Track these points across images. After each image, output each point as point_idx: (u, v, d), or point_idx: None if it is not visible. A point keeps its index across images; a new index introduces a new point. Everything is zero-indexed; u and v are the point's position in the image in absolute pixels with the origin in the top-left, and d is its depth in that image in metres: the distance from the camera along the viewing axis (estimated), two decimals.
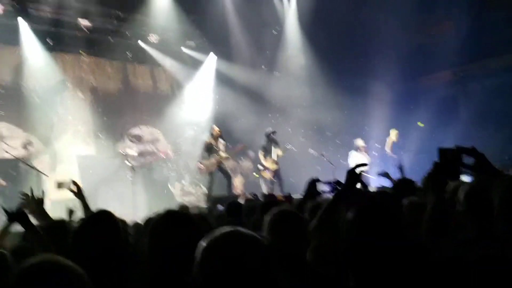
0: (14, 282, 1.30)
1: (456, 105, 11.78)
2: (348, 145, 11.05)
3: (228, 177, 9.69)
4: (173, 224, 1.73)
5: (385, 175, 5.51)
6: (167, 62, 12.40)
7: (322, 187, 3.03)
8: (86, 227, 2.01)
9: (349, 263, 1.84)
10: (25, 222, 2.64)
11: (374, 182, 9.76)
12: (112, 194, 8.34)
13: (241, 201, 6.15)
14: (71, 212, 3.84)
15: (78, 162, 10.41)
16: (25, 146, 9.45)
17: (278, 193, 8.48)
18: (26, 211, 3.26)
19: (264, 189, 10.20)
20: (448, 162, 2.06)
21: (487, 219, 2.09)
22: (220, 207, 5.22)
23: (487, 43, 10.81)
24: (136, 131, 11.94)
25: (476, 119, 10.53)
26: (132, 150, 11.37)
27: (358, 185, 2.81)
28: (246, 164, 12.82)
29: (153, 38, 11.89)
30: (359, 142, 10.80)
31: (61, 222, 2.89)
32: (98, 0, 10.47)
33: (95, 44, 11.40)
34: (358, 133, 11.57)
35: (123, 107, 11.81)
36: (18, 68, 10.33)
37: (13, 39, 10.06)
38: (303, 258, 2.06)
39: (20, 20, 9.92)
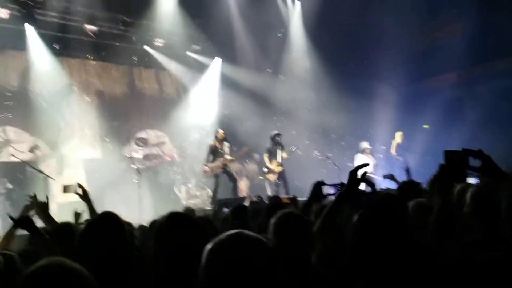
0: (22, 285, 1.30)
1: (462, 107, 11.71)
2: (354, 147, 11.03)
3: (233, 180, 9.69)
4: (177, 225, 1.74)
5: (391, 177, 5.50)
6: (172, 66, 12.45)
7: (328, 190, 3.02)
8: (92, 228, 2.01)
9: (355, 267, 1.83)
10: (31, 228, 2.65)
11: (380, 184, 9.73)
12: (118, 198, 8.37)
13: (247, 203, 6.16)
14: (77, 215, 3.85)
15: (84, 166, 10.46)
16: (32, 150, 9.51)
17: (283, 195, 8.47)
18: (32, 213, 3.28)
19: (269, 192, 10.20)
20: (454, 164, 2.05)
21: (493, 221, 2.08)
22: (225, 209, 5.21)
23: (493, 45, 10.75)
24: (142, 134, 11.99)
25: (482, 121, 10.46)
26: (138, 153, 11.41)
27: (364, 186, 2.80)
28: (251, 166, 12.82)
29: (158, 42, 11.95)
30: (365, 144, 10.79)
31: (67, 225, 2.91)
32: (104, 5, 10.53)
33: (101, 49, 11.47)
34: (363, 135, 11.54)
35: (129, 111, 11.86)
36: (25, 73, 10.42)
37: (20, 44, 10.15)
38: (308, 261, 2.05)
39: (26, 25, 10.01)
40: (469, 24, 10.89)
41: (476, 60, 11.18)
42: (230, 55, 12.60)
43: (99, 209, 3.30)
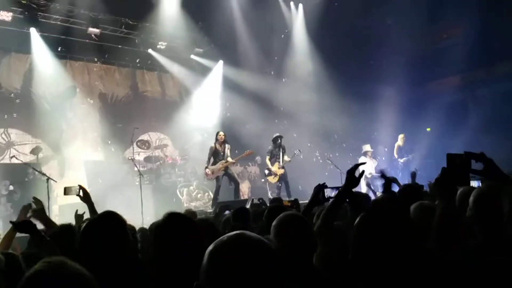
0: (24, 285, 1.30)
1: (465, 110, 11.69)
2: (356, 150, 11.03)
3: (235, 182, 9.68)
4: (176, 226, 1.73)
5: (393, 180, 5.48)
6: (175, 68, 12.50)
7: (330, 193, 3.01)
8: (93, 227, 2.00)
9: (357, 269, 1.82)
10: (31, 230, 2.65)
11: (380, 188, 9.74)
12: (120, 200, 8.35)
13: (248, 206, 6.15)
14: (79, 217, 3.85)
15: (86, 168, 10.48)
16: (34, 152, 9.52)
17: (284, 197, 8.46)
18: (29, 214, 3.29)
19: (270, 194, 10.20)
20: (456, 167, 2.05)
21: (496, 224, 2.07)
22: (227, 212, 5.21)
23: (496, 48, 10.75)
24: (144, 136, 12.01)
25: (485, 124, 10.45)
26: (140, 155, 11.42)
27: (366, 190, 2.80)
28: (253, 169, 12.81)
29: (161, 45, 11.99)
30: (367, 147, 10.82)
31: (68, 227, 2.91)
32: (107, 8, 10.58)
33: (104, 51, 11.53)
34: (366, 138, 11.55)
35: (131, 113, 11.89)
36: (28, 75, 10.47)
37: (23, 46, 10.21)
38: (310, 263, 2.05)
39: (30, 28, 10.05)
40: (471, 27, 10.88)
41: (478, 64, 11.17)
42: (233, 58, 12.63)
43: (101, 211, 3.30)
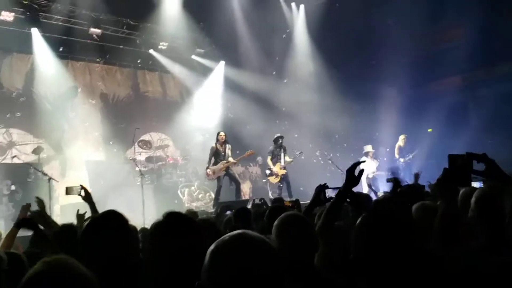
0: (25, 283, 1.30)
1: (466, 110, 11.68)
2: (358, 151, 11.03)
3: (236, 183, 9.68)
4: (175, 225, 1.70)
5: (394, 180, 5.47)
6: (176, 69, 12.51)
7: (331, 194, 3.01)
8: (95, 226, 1.98)
9: (358, 270, 1.82)
10: (33, 228, 2.65)
11: (381, 188, 9.74)
12: (121, 200, 8.35)
13: (249, 206, 6.15)
14: (80, 216, 3.86)
15: (88, 168, 10.49)
16: (36, 152, 9.54)
17: (285, 198, 8.46)
18: (29, 214, 3.30)
19: (271, 194, 10.20)
20: (458, 168, 2.04)
21: (498, 225, 2.07)
22: (228, 212, 5.21)
23: (497, 48, 10.73)
24: (145, 137, 12.02)
25: (486, 124, 10.43)
26: (141, 156, 11.43)
27: (367, 190, 2.80)
28: (254, 169, 12.81)
29: (162, 45, 12.00)
30: (368, 148, 10.82)
31: (69, 227, 2.91)
32: (109, 9, 10.58)
33: (105, 52, 11.54)
34: (367, 138, 11.54)
35: (133, 114, 11.90)
36: (30, 75, 10.49)
37: (25, 47, 10.22)
38: (311, 263, 2.05)
39: (32, 28, 10.07)
40: (473, 28, 10.87)
41: (479, 64, 11.16)
42: (234, 59, 12.63)
43: (102, 211, 3.30)
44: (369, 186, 10.19)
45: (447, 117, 10.98)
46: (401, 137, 10.92)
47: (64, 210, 8.78)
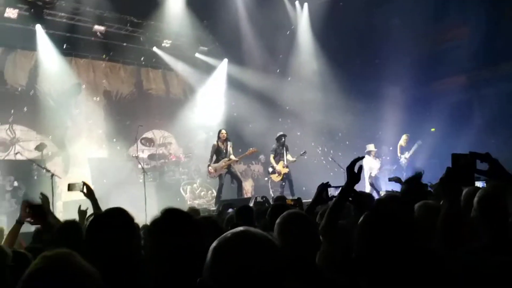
0: (27, 277, 1.29)
1: (470, 110, 11.63)
2: (361, 149, 11.00)
3: (238, 181, 9.69)
4: (173, 222, 1.66)
5: (397, 180, 5.47)
6: (179, 66, 12.51)
7: (333, 192, 3.01)
8: (100, 222, 1.97)
9: (360, 268, 1.82)
10: (41, 216, 2.65)
11: (383, 187, 9.73)
12: (124, 197, 8.36)
13: (251, 204, 6.15)
14: (82, 213, 3.87)
15: (91, 165, 10.52)
16: (38, 148, 9.57)
17: (288, 196, 8.46)
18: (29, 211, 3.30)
19: (272, 192, 10.20)
20: (461, 167, 2.04)
21: (501, 225, 2.06)
22: (230, 210, 5.21)
23: (501, 47, 10.68)
24: (148, 134, 12.04)
25: (490, 124, 10.40)
26: (144, 153, 11.45)
27: (370, 189, 2.79)
28: (257, 167, 12.81)
29: (166, 43, 12.00)
30: (371, 147, 10.80)
31: (72, 223, 2.91)
32: (113, 6, 10.59)
33: (109, 49, 11.55)
34: (370, 137, 11.51)
35: (136, 111, 11.92)
36: (33, 72, 10.51)
37: (29, 43, 10.24)
38: (313, 261, 2.04)
39: (36, 25, 10.09)
40: (477, 27, 10.83)
41: (483, 63, 11.10)
42: (237, 57, 12.62)
43: (104, 208, 3.31)
44: (371, 185, 10.19)
45: (450, 116, 10.94)
46: (403, 137, 10.86)
47: (66, 206, 8.81)
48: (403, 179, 5.43)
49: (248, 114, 11.95)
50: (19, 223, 3.22)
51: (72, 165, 10.58)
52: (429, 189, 3.92)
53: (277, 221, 2.11)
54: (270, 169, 10.26)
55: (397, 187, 5.51)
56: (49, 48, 10.42)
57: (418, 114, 11.53)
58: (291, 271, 1.35)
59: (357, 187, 2.60)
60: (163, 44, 12.06)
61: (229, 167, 9.50)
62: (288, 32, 12.78)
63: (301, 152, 10.32)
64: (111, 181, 9.59)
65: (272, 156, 10.18)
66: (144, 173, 8.93)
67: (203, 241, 1.56)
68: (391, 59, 11.23)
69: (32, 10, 9.86)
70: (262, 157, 12.50)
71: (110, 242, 1.85)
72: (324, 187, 3.02)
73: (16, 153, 9.39)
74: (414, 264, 1.70)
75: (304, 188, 10.08)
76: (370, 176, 10.42)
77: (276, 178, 10.15)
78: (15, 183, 8.62)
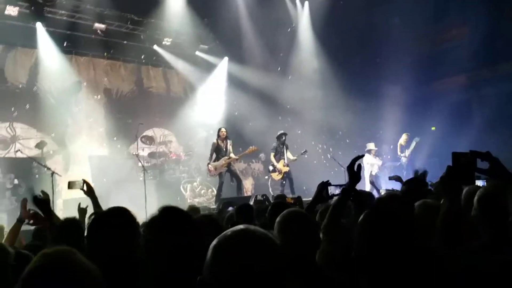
0: (24, 279, 1.29)
1: (470, 109, 11.64)
2: (361, 148, 11.00)
3: (237, 179, 9.69)
4: (171, 221, 1.65)
5: (397, 178, 5.47)
6: (180, 64, 12.51)
7: (333, 191, 3.01)
8: (102, 222, 1.97)
9: (360, 267, 1.82)
10: (46, 209, 2.64)
11: (383, 186, 9.73)
12: (124, 195, 8.38)
13: (251, 202, 6.15)
14: (82, 211, 3.87)
15: (91, 163, 10.52)
16: (39, 146, 9.57)
17: (288, 195, 8.47)
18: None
19: (271, 190, 10.20)
20: (462, 166, 2.03)
21: (501, 223, 2.06)
22: (230, 208, 5.21)
23: (500, 48, 10.68)
24: (148, 132, 12.04)
25: (490, 123, 10.40)
26: (144, 151, 11.45)
27: (370, 188, 2.79)
28: (257, 166, 12.81)
29: (166, 41, 11.99)
30: (371, 145, 10.79)
31: (72, 220, 2.91)
32: (113, 4, 10.58)
33: (109, 47, 11.54)
34: (371, 136, 11.51)
35: (136, 109, 11.92)
36: (34, 70, 10.51)
37: (29, 41, 10.24)
38: (313, 260, 2.04)
39: (36, 23, 10.08)
40: (476, 27, 10.82)
41: (483, 63, 11.11)
42: (238, 55, 12.62)
43: (105, 206, 3.31)
44: (372, 183, 10.19)
45: (450, 115, 10.95)
46: (403, 136, 10.87)
47: (66, 204, 8.82)
48: (403, 178, 5.44)
49: (249, 112, 11.95)
50: (20, 221, 3.23)
51: (73, 163, 10.59)
52: (429, 187, 3.92)
53: (277, 219, 2.11)
54: (271, 168, 10.26)
55: (397, 186, 5.50)
56: (49, 46, 10.42)
57: (418, 113, 11.53)
58: (291, 269, 1.34)
59: (358, 186, 2.60)
60: (163, 42, 12.05)
61: (229, 165, 9.50)
62: (289, 29, 12.76)
63: (302, 151, 10.32)
64: (111, 179, 9.60)
65: (272, 154, 10.19)
66: (144, 171, 8.93)
67: (201, 239, 1.55)
68: (391, 58, 11.23)
69: (33, 7, 9.85)
70: (262, 155, 12.50)
71: (112, 241, 1.84)
72: (324, 185, 3.01)
73: (17, 151, 9.39)
74: (414, 263, 1.70)
75: (304, 188, 10.08)
76: (371, 175, 10.42)
77: (276, 176, 10.15)
78: (15, 181, 8.62)
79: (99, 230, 1.91)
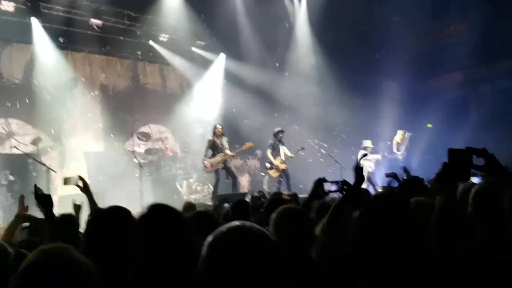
0: (19, 275, 1.28)
1: (466, 107, 11.67)
2: (358, 145, 11.02)
3: (233, 176, 9.68)
4: (160, 218, 1.63)
5: (393, 176, 5.48)
6: (176, 61, 12.46)
7: (329, 187, 3.01)
8: (99, 221, 1.96)
9: (356, 264, 1.82)
10: (47, 207, 2.63)
11: (380, 183, 9.76)
12: (120, 192, 8.37)
13: (248, 199, 6.15)
14: (77, 207, 3.86)
15: (86, 159, 10.49)
16: (34, 142, 9.52)
17: (285, 191, 8.47)
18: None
19: (266, 187, 10.19)
20: (458, 163, 2.03)
21: (496, 221, 2.06)
22: (226, 205, 5.21)
23: (498, 45, 10.71)
24: (144, 129, 12.00)
25: (486, 120, 10.44)
26: (140, 148, 11.41)
27: (366, 185, 2.80)
28: (253, 163, 12.80)
29: (163, 37, 11.95)
30: (367, 143, 10.81)
31: (68, 217, 2.91)
32: (110, 0, 10.52)
33: (106, 43, 11.48)
34: (368, 133, 11.53)
35: (132, 105, 11.88)
36: (29, 66, 10.44)
37: (25, 37, 10.17)
38: (308, 256, 2.05)
39: (32, 18, 10.02)
40: (475, 24, 10.84)
41: (480, 60, 11.14)
42: (234, 51, 12.58)
43: (100, 203, 3.30)
44: (368, 180, 10.21)
45: (447, 113, 10.98)
46: (399, 132, 10.91)
47: (62, 201, 8.78)
48: (398, 175, 5.45)
49: (245, 108, 11.93)
50: (18, 217, 3.21)
51: (68, 159, 10.54)
52: (425, 183, 3.93)
53: (273, 215, 2.11)
54: (268, 165, 10.24)
55: (394, 183, 5.51)
56: (45, 42, 10.35)
57: (415, 110, 11.56)
58: (286, 266, 1.34)
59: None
60: (160, 38, 12.00)
61: (225, 162, 9.49)
62: (287, 24, 12.72)
63: (299, 148, 10.31)
64: (107, 176, 9.57)
65: (269, 151, 10.16)
66: (141, 168, 8.91)
67: (190, 236, 1.54)
68: (389, 55, 11.24)
69: (29, 3, 9.78)
70: (258, 152, 12.49)
71: (110, 240, 1.83)
72: (320, 182, 3.02)
73: (12, 147, 9.34)
74: (410, 261, 1.70)
75: (301, 186, 10.07)
76: (368, 172, 10.45)
77: (274, 173, 10.14)
78: (11, 177, 8.59)
79: (97, 229, 1.91)
